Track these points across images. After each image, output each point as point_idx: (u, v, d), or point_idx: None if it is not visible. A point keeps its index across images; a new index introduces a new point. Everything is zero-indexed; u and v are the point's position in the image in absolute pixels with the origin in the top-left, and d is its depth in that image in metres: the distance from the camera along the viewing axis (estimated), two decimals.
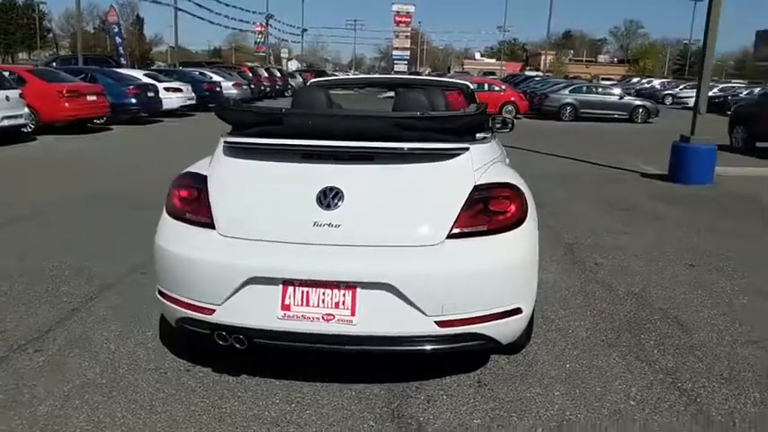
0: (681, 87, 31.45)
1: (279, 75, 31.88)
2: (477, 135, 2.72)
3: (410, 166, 2.41)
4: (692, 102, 10.42)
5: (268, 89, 28.08)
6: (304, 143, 2.41)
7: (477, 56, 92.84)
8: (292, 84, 30.90)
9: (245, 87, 23.41)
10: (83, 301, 3.55)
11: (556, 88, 21.13)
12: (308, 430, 2.31)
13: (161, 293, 2.58)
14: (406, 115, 2.51)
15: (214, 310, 2.34)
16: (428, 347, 2.31)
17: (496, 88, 20.53)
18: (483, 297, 2.31)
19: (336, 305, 2.25)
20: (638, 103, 19.71)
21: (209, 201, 2.44)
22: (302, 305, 2.26)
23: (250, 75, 26.37)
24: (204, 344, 2.52)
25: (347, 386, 2.60)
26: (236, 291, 2.29)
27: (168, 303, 2.52)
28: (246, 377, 2.66)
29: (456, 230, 2.32)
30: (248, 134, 2.53)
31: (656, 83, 35.58)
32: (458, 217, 2.32)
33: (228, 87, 21.38)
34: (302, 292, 2.26)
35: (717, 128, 11.01)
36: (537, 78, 29.27)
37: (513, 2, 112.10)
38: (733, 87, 29.42)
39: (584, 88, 20.89)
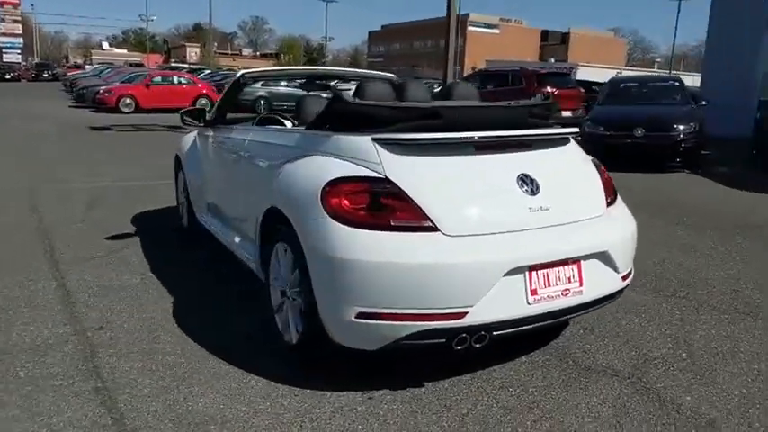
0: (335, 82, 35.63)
1: None
2: None
3: (555, 149, 2.71)
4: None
5: None
6: (486, 135, 2.49)
7: (106, 45, 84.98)
8: None
9: None
10: None
11: None
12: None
13: (368, 315, 2.27)
14: (527, 104, 2.83)
15: (465, 313, 2.25)
16: (615, 300, 2.73)
17: (185, 81, 20.06)
18: (632, 253, 2.79)
19: (569, 280, 2.44)
20: (324, 95, 22.01)
21: (416, 203, 2.31)
22: (545, 287, 2.38)
23: None
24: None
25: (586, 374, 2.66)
26: (492, 287, 2.28)
27: (388, 322, 2.26)
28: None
29: (607, 200, 2.75)
30: (403, 130, 2.46)
31: None
32: (603, 189, 2.77)
33: None
34: (543, 274, 2.38)
35: None
36: (207, 72, 29.27)
37: None
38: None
39: (275, 81, 22.12)
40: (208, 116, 4.35)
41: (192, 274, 4.00)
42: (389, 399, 2.46)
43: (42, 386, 2.52)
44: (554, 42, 67.59)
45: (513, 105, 2.82)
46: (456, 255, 2.27)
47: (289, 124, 4.25)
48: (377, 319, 2.28)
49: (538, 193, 2.50)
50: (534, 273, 2.38)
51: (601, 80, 16.85)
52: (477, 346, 2.38)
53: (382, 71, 4.77)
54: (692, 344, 3.04)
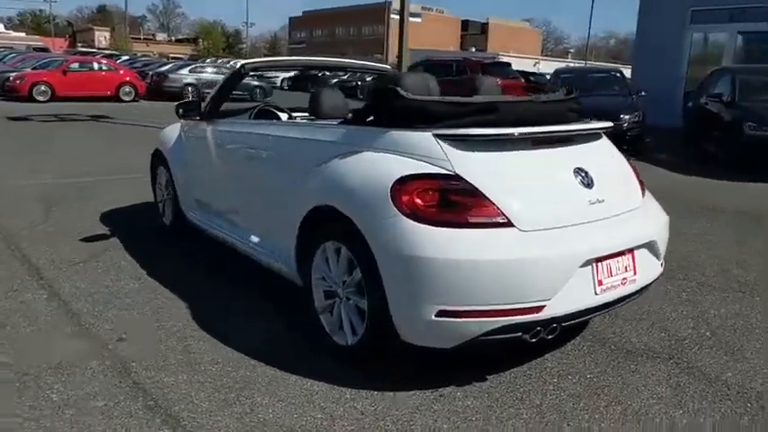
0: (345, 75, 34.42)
1: None
2: None
3: (595, 143, 2.78)
4: None
5: None
6: (548, 130, 2.55)
7: (1, 28, 78.01)
8: None
9: None
10: None
11: (173, 68, 20.78)
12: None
13: (449, 313, 2.24)
14: (563, 98, 2.84)
15: (543, 306, 2.27)
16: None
17: (106, 68, 18.81)
18: (667, 242, 2.87)
19: (626, 269, 2.52)
20: (255, 83, 21.33)
21: (490, 199, 2.29)
22: (608, 276, 2.45)
23: None
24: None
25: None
26: (568, 280, 2.31)
27: (470, 320, 2.24)
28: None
29: (642, 191, 2.85)
30: (462, 125, 2.44)
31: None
32: (638, 181, 2.88)
33: None
34: (607, 265, 2.45)
35: None
36: (125, 58, 27.61)
37: None
38: None
39: (203, 68, 21.25)
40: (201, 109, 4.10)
41: (195, 275, 3.79)
42: (460, 395, 2.45)
43: (85, 409, 2.30)
44: (474, 32, 69.15)
45: (556, 100, 2.85)
46: (534, 249, 2.29)
47: (284, 116, 4.10)
48: (458, 317, 2.25)
49: (593, 186, 2.54)
50: (600, 264, 2.43)
51: (526, 70, 17.49)
52: (549, 337, 2.41)
53: None
54: (710, 322, 3.23)
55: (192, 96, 18.50)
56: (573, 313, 2.38)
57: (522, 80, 14.68)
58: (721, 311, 3.39)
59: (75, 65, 18.38)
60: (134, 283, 3.62)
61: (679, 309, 3.40)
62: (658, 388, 2.55)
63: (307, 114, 4.23)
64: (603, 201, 2.55)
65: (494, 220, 2.30)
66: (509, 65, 17.23)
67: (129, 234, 4.60)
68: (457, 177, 2.34)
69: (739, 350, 2.91)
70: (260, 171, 3.30)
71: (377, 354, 2.58)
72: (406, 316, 2.33)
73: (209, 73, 20.93)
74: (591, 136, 2.81)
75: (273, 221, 3.17)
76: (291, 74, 15.28)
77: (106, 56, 25.31)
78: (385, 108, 2.63)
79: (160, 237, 4.63)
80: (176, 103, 4.18)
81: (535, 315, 2.29)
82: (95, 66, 18.74)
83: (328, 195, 2.64)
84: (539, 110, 2.74)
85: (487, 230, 2.29)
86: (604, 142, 2.90)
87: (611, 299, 2.49)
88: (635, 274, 2.59)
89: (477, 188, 2.32)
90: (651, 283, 2.77)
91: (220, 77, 20.54)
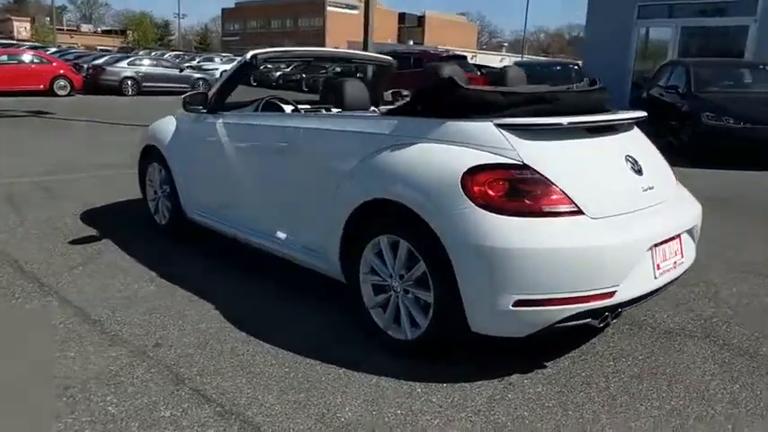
0: (198, 60, 33.17)
1: None
2: None
3: (633, 132, 2.85)
4: None
5: None
6: (600, 119, 2.62)
7: None
8: None
9: None
10: None
11: (111, 60, 19.73)
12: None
13: (526, 303, 2.25)
14: (598, 88, 2.86)
15: (614, 292, 2.32)
16: None
17: (37, 60, 17.64)
18: None
19: (675, 253, 2.63)
20: (197, 76, 20.60)
21: (560, 188, 2.32)
22: (664, 261, 2.54)
23: None
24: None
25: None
26: (635, 265, 2.37)
27: (547, 308, 2.27)
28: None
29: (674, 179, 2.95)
30: (519, 114, 2.45)
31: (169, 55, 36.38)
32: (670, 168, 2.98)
33: None
34: (662, 250, 2.53)
35: None
36: (54, 50, 25.99)
37: None
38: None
39: (142, 61, 20.30)
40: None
41: (210, 274, 3.62)
42: (528, 382, 2.47)
43: (151, 420, 2.16)
44: (411, 25, 69.55)
45: (595, 89, 2.90)
46: (606, 236, 2.33)
47: (288, 108, 3.99)
48: (536, 306, 2.27)
49: (642, 173, 2.62)
50: (657, 249, 2.51)
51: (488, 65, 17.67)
52: (614, 321, 2.46)
53: (240, 51, 4.59)
54: (728, 301, 3.40)
55: (203, 88, 17.54)
56: (637, 297, 2.45)
57: (479, 73, 14.93)
58: (734, 290, 3.57)
59: (4, 57, 17.13)
60: (148, 286, 3.43)
61: (695, 290, 3.55)
62: (707, 365, 2.66)
63: (309, 107, 4.16)
64: (653, 188, 2.63)
65: (566, 208, 2.32)
66: (465, 57, 17.53)
67: (117, 234, 4.34)
68: (525, 167, 2.35)
69: (764, 326, 3.08)
70: (289, 166, 3.17)
71: (441, 346, 2.56)
72: (482, 307, 2.32)
73: (147, 66, 20.03)
74: (630, 125, 2.89)
75: (306, 217, 3.08)
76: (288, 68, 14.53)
77: (33, 47, 23.76)
78: (442, 98, 2.58)
79: (153, 236, 4.39)
80: (184, 96, 3.96)
81: (607, 300, 2.33)
82: (26, 58, 17.50)
83: (384, 189, 2.58)
84: (585, 99, 2.78)
85: (561, 219, 2.31)
86: (638, 131, 2.98)
87: (665, 282, 2.58)
88: (682, 257, 2.69)
89: (546, 177, 2.34)
90: (694, 262, 2.89)
91: (160, 70, 19.86)
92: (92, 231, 4.43)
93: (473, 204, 2.29)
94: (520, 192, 2.32)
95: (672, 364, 2.65)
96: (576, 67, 11.17)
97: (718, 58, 10.82)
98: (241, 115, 3.79)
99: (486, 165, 2.35)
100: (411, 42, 56.47)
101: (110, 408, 2.23)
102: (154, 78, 19.46)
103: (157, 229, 4.48)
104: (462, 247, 2.30)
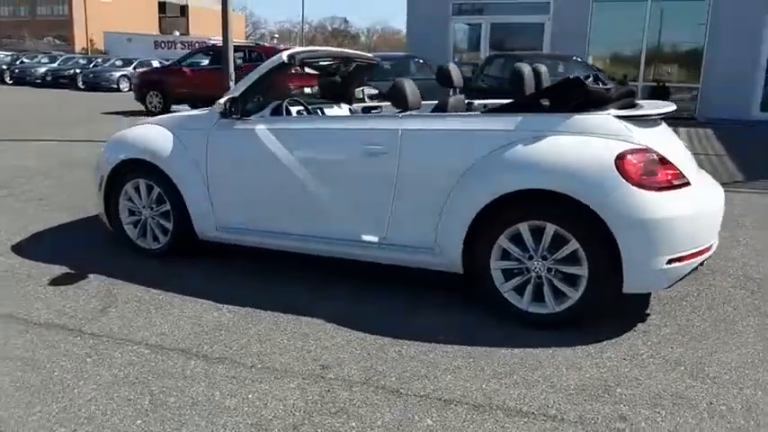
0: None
1: None
2: None
3: (663, 123, 3.27)
4: None
5: None
6: (662, 111, 3.05)
7: None
8: None
9: None
10: None
11: None
12: None
13: (675, 260, 2.74)
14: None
15: (711, 246, 2.94)
16: None
17: None
18: None
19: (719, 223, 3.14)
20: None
21: (674, 164, 2.83)
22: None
23: None
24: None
25: None
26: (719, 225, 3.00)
27: (687, 262, 2.78)
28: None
29: None
30: (621, 107, 2.95)
31: None
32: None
33: None
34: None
35: None
36: None
37: None
38: None
39: None
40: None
41: (261, 285, 3.42)
42: (653, 329, 2.98)
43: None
44: (173, 15, 65.24)
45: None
46: (709, 202, 2.97)
47: (330, 111, 4.09)
48: (680, 262, 2.79)
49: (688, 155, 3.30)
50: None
51: None
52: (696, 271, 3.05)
53: None
54: (751, 278, 3.69)
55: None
56: (713, 253, 3.04)
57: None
58: (760, 269, 3.87)
59: None
60: (215, 313, 3.12)
61: (728, 264, 3.94)
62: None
63: (321, 105, 4.17)
64: (696, 169, 3.28)
65: (684, 181, 2.86)
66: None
67: (105, 266, 3.73)
68: (649, 150, 2.81)
69: None
70: (385, 169, 3.15)
71: (584, 314, 2.91)
72: (643, 269, 2.76)
73: None
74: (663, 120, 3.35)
75: (410, 218, 3.17)
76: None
77: None
78: (572, 96, 2.92)
79: (153, 263, 3.85)
80: (223, 100, 3.53)
81: (709, 252, 2.96)
82: None
83: (528, 179, 2.83)
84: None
85: (683, 189, 2.84)
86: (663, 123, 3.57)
87: (716, 245, 3.12)
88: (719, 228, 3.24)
89: (665, 156, 2.83)
90: None
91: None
92: (64, 269, 3.72)
93: (629, 184, 2.71)
94: (654, 170, 2.79)
95: (726, 338, 2.90)
96: (420, 61, 12.10)
97: (532, 51, 12.82)
98: (293, 120, 3.62)
99: (629, 150, 2.77)
100: (177, 33, 53.13)
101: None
102: None
103: (149, 255, 3.94)
104: (626, 222, 2.71)
